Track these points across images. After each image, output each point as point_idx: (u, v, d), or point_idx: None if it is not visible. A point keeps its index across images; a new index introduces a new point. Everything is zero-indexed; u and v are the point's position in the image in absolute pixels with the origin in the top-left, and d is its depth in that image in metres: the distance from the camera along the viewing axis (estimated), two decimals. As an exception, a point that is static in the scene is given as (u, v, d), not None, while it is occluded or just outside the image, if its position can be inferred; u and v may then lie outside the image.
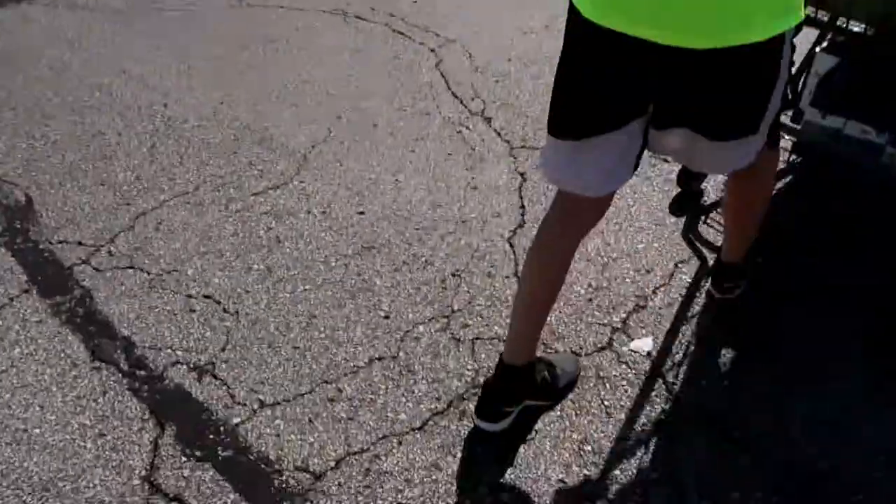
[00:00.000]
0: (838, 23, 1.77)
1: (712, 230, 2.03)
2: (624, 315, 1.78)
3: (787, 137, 1.89)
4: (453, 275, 1.92)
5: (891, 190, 1.89)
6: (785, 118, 1.81)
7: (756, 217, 1.58)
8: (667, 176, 2.26)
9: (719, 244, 1.87)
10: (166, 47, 3.12)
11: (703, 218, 2.06)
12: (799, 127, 1.83)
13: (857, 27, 1.75)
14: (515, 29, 3.24)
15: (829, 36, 1.82)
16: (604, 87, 1.15)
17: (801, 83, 1.85)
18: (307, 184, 2.29)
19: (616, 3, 1.04)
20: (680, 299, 1.82)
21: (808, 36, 1.61)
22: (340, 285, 1.90)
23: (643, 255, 1.97)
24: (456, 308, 1.82)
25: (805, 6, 1.38)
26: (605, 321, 1.77)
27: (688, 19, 1.00)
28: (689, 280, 1.88)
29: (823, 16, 1.78)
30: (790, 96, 1.76)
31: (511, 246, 2.02)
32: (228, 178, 2.32)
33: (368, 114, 2.65)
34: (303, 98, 2.76)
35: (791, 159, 2.14)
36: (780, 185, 2.15)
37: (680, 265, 1.93)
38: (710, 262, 1.90)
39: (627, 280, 1.89)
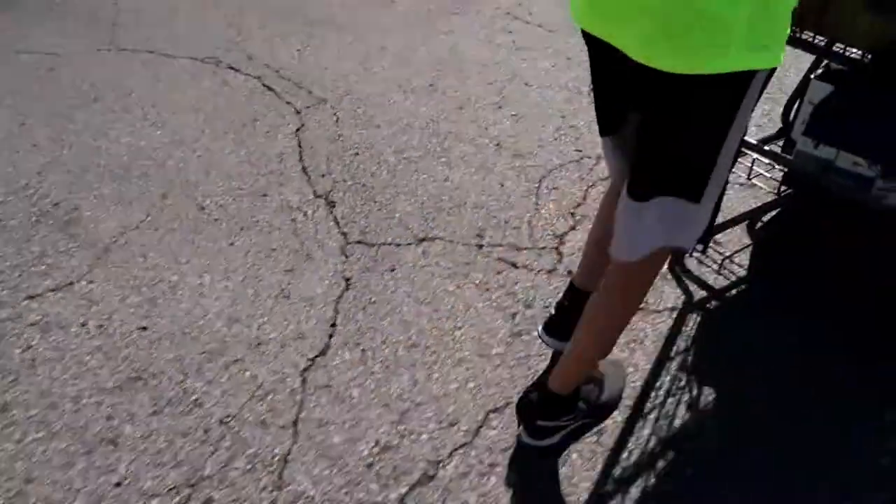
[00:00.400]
0: (835, 48, 1.71)
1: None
2: (403, 490, 1.47)
3: (777, 167, 1.92)
4: (221, 422, 1.61)
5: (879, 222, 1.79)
6: (776, 147, 1.93)
7: (603, 335, 1.39)
8: (509, 289, 1.96)
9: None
10: (10, 100, 2.81)
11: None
12: (791, 157, 1.77)
13: (854, 54, 1.69)
14: (397, 87, 2.94)
15: (824, 63, 1.79)
16: (599, 93, 1.23)
17: (794, 111, 1.84)
18: (96, 285, 1.97)
19: (592, 6, 1.03)
20: (478, 468, 1.51)
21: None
22: (81, 434, 1.58)
23: (452, 398, 1.66)
24: (207, 473, 1.50)
25: (802, 31, 1.64)
26: (378, 499, 1.45)
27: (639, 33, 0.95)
28: (499, 438, 1.57)
29: (820, 41, 1.72)
30: (782, 124, 1.91)
31: (303, 382, 1.70)
32: (7, 275, 2.00)
33: (199, 193, 2.34)
34: (131, 171, 2.44)
35: (781, 190, 2.01)
36: (768, 216, 2.20)
37: (492, 415, 1.62)
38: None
39: (424, 436, 1.58)
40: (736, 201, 2.25)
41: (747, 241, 2.15)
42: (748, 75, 0.95)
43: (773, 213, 2.22)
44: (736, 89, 0.96)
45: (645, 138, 1.10)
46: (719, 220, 1.91)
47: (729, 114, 0.99)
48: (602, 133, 1.27)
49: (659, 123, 1.04)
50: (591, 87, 1.25)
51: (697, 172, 1.06)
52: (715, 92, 0.96)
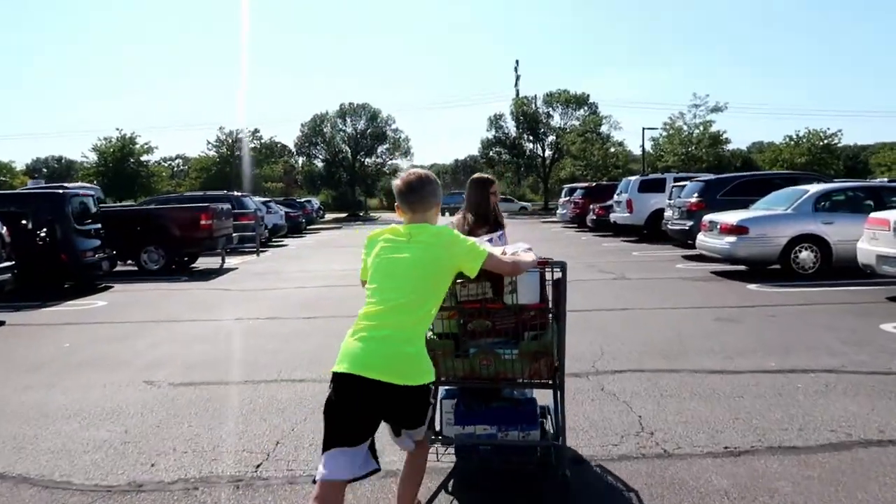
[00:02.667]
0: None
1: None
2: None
3: (444, 449, 3.64)
4: None
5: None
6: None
7: (416, 486, 2.93)
8: None
9: None
10: None
11: None
12: (451, 436, 3.46)
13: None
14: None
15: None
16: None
17: (436, 414, 3.21)
18: None
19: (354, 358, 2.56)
20: None
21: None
22: None
23: None
24: None
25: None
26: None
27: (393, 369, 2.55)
28: None
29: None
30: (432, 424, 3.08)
31: None
32: None
33: None
34: None
35: (454, 461, 3.66)
36: (451, 482, 3.53)
37: None
38: None
39: None
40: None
41: None
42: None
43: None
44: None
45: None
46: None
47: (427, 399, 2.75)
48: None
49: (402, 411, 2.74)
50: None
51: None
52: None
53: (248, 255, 18.41)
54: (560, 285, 3.23)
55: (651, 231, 19.59)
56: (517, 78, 62.75)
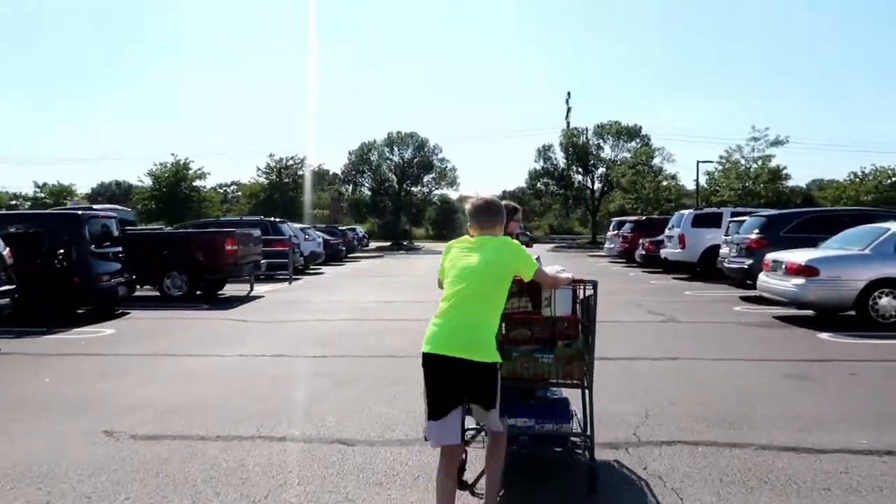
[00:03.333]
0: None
1: None
2: None
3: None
4: None
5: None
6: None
7: (495, 472, 3.25)
8: None
9: None
10: None
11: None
12: None
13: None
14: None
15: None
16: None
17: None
18: None
19: (435, 342, 3.12)
20: None
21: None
22: None
23: None
24: None
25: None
26: None
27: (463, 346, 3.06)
28: None
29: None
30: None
31: None
32: None
33: None
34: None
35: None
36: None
37: None
38: None
39: None
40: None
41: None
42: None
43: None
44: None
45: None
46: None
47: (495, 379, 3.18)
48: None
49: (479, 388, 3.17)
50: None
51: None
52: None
53: (279, 283, 17.84)
54: (591, 301, 3.83)
55: (705, 269, 18.25)
56: (568, 110, 61.94)
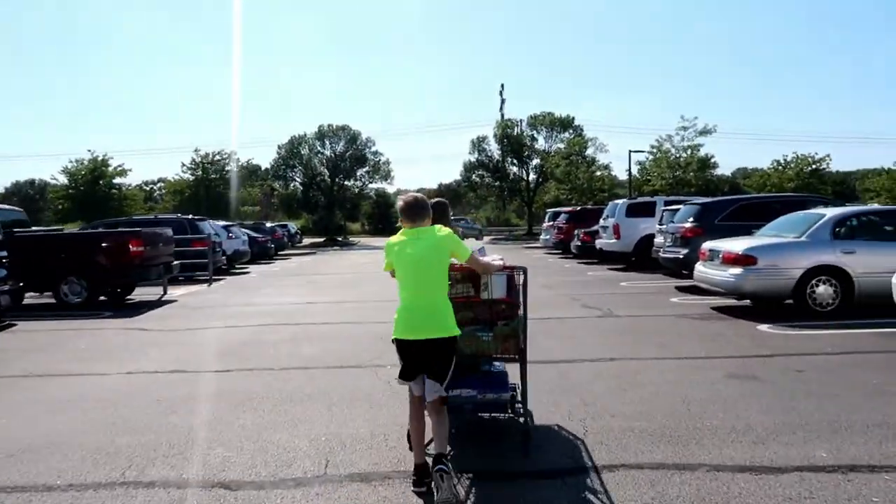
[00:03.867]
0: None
1: None
2: None
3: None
4: None
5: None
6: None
7: (441, 423, 3.70)
8: None
9: None
10: None
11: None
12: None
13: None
14: None
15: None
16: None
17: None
18: None
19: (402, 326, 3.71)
20: None
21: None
22: None
23: None
24: None
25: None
26: None
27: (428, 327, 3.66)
28: None
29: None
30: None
31: None
32: None
33: None
34: None
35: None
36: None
37: None
38: None
39: None
40: None
41: None
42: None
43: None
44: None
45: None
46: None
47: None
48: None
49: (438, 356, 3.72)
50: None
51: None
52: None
53: (198, 285, 16.66)
54: (523, 286, 4.30)
55: (640, 258, 18.07)
56: (502, 102, 61.53)
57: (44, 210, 60.68)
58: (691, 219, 12.96)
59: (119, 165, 49.87)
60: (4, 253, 10.48)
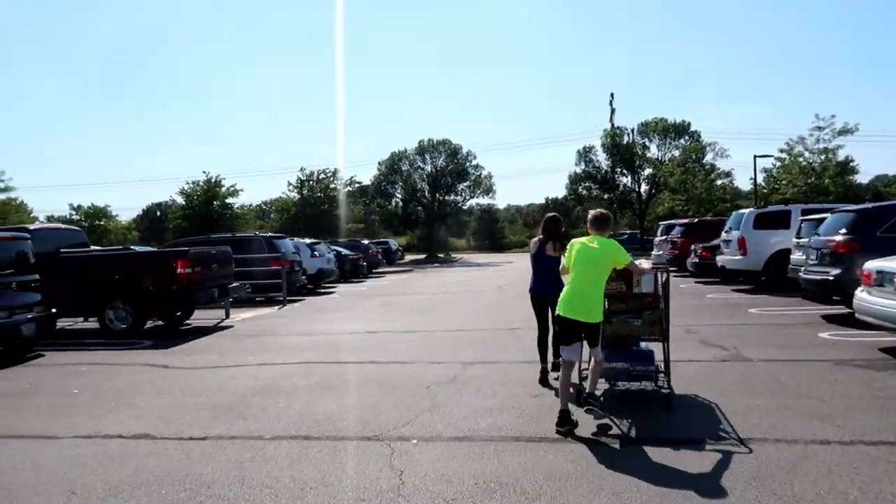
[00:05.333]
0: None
1: None
2: None
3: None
4: None
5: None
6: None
7: (594, 374, 5.26)
8: None
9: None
10: None
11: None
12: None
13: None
14: None
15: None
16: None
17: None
18: None
19: (564, 307, 5.05)
20: None
21: None
22: None
23: None
24: None
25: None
26: None
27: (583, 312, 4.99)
28: None
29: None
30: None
31: None
32: None
33: None
34: None
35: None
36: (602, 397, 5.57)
37: None
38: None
39: None
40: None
41: None
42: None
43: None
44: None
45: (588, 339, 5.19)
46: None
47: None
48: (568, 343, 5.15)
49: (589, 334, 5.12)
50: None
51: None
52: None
53: (274, 307, 15.55)
54: (667, 284, 5.73)
55: (771, 279, 15.17)
56: (612, 112, 58.37)
57: (167, 230, 63.78)
58: (844, 230, 10.15)
59: (232, 186, 51.24)
60: (36, 276, 9.52)
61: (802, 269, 11.22)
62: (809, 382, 6.17)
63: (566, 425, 4.80)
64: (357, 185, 54.54)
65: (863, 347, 7.80)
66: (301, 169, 53.40)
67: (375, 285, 23.51)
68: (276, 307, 15.53)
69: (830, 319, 10.19)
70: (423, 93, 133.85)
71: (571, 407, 4.96)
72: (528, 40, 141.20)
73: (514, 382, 6.54)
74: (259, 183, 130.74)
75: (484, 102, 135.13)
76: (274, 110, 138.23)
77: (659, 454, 4.38)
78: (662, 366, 5.72)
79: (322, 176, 53.49)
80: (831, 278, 9.97)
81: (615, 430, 4.92)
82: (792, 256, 13.47)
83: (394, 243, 48.25)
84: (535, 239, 6.70)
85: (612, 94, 67.22)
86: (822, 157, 34.53)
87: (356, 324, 11.79)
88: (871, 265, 7.84)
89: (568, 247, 5.28)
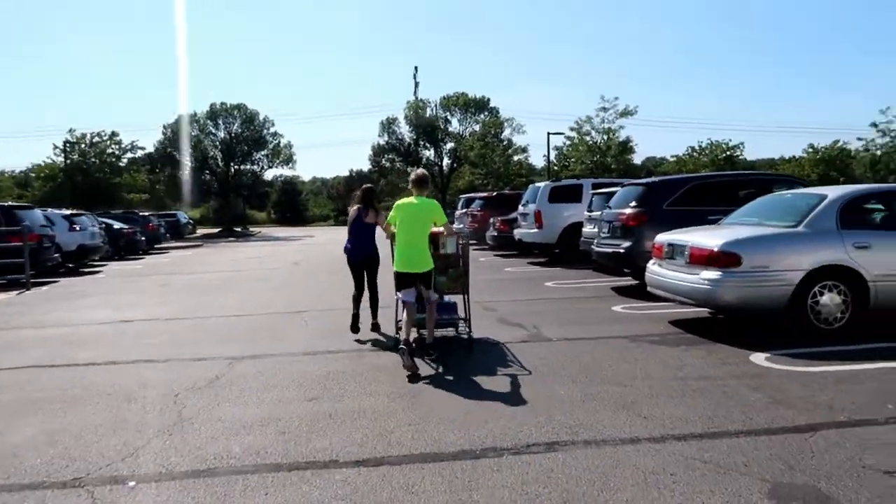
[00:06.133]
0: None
1: None
2: None
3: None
4: None
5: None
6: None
7: (430, 319, 6.23)
8: None
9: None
10: None
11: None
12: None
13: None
14: None
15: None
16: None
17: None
18: None
19: (399, 263, 5.98)
20: None
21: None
22: None
23: None
24: None
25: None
26: None
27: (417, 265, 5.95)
28: None
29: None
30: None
31: None
32: None
33: None
34: None
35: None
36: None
37: None
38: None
39: None
40: None
41: None
42: None
43: None
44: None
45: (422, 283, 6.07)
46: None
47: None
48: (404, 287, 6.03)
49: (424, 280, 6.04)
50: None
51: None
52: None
53: (16, 290, 12.80)
54: (466, 246, 6.77)
55: (565, 250, 15.47)
56: (416, 85, 58.37)
57: None
58: (634, 203, 10.25)
59: (-21, 147, 43.42)
60: None
61: (595, 242, 11.27)
62: (610, 363, 5.76)
63: (407, 349, 5.67)
64: (141, 152, 48.95)
65: (654, 321, 7.72)
66: (70, 130, 46.60)
67: (155, 263, 20.85)
68: (16, 292, 12.81)
69: (621, 291, 10.27)
70: (218, 58, 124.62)
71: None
72: (338, 19, 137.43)
73: (289, 383, 5.40)
74: (18, 147, 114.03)
75: (284, 72, 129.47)
76: (28, 59, 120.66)
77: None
78: (464, 314, 6.76)
79: (96, 139, 47.31)
80: (622, 251, 10.02)
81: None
82: (584, 230, 13.69)
83: (183, 216, 44.14)
84: (354, 208, 7.29)
85: (415, 68, 67.60)
86: (606, 136, 37.05)
87: (110, 311, 9.83)
88: (663, 238, 7.75)
89: (394, 206, 6.08)
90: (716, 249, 6.61)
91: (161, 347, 7.00)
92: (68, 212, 19.10)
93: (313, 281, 13.38)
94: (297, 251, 24.85)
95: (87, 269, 18.19)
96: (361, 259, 7.23)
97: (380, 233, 7.03)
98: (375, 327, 7.28)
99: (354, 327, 7.19)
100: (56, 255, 15.98)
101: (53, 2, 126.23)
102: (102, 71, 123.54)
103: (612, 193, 12.83)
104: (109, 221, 23.73)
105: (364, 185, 7.58)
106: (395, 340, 6.59)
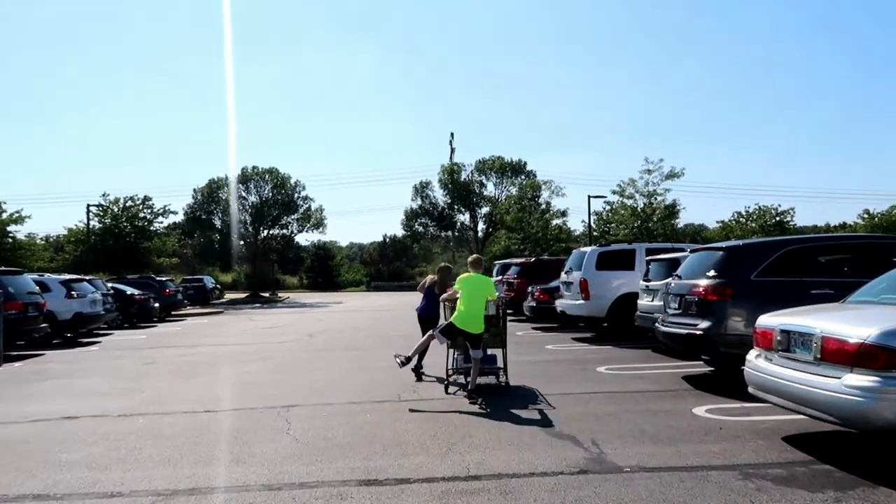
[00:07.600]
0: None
1: None
2: None
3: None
4: None
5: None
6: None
7: (474, 371, 7.73)
8: None
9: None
10: None
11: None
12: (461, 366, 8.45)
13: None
14: None
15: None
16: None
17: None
18: None
19: (460, 321, 7.65)
20: None
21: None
22: None
23: None
24: None
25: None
26: None
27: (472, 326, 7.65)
28: None
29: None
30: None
31: None
32: None
33: None
34: None
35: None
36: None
37: None
38: None
39: None
40: None
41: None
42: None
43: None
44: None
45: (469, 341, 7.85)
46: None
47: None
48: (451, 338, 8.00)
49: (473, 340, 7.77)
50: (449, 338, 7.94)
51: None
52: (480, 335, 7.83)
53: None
54: (502, 309, 8.38)
55: (616, 325, 13.32)
56: (452, 151, 57.23)
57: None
58: (713, 272, 8.11)
59: (16, 212, 43.26)
60: None
61: (660, 319, 9.13)
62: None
63: (406, 363, 7.75)
64: (173, 216, 48.40)
65: (763, 437, 5.55)
66: (104, 194, 46.37)
67: (162, 332, 19.19)
68: (-12, 368, 11.13)
69: (696, 383, 8.09)
70: (250, 125, 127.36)
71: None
72: (372, 85, 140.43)
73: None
74: (53, 212, 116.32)
75: (318, 139, 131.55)
76: (65, 124, 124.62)
77: None
78: (503, 365, 8.38)
79: (129, 203, 46.97)
80: (699, 332, 7.87)
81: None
82: (640, 302, 11.60)
83: (211, 280, 42.99)
84: (431, 277, 9.42)
85: (451, 134, 66.86)
86: (651, 199, 34.97)
87: (62, 401, 7.98)
88: (771, 321, 5.62)
89: (458, 279, 7.83)
90: (868, 342, 4.48)
91: (72, 469, 5.06)
92: (67, 277, 17.68)
93: (321, 362, 11.40)
94: (318, 320, 23.02)
95: (85, 340, 16.61)
96: (426, 317, 9.19)
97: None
98: (417, 369, 8.86)
99: (418, 376, 8.86)
100: (44, 325, 14.41)
101: (89, 71, 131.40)
102: (138, 139, 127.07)
103: (672, 260, 10.77)
104: (122, 287, 22.36)
105: (442, 264, 9.79)
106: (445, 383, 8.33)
